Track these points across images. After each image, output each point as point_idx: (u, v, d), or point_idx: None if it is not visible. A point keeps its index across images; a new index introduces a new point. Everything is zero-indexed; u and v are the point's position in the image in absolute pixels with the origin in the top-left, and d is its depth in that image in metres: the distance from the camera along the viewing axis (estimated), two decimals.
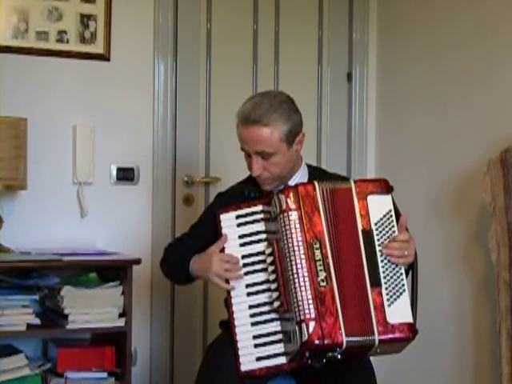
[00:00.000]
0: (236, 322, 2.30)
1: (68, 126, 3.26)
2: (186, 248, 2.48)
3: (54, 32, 3.23)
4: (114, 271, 2.96)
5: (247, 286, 2.32)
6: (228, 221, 2.36)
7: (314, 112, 3.74)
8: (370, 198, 2.29)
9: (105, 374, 2.93)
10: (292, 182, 2.44)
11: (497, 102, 3.07)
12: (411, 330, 2.21)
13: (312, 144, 3.69)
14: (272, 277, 2.28)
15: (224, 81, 3.57)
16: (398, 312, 2.21)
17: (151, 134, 3.41)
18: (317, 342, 2.13)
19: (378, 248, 2.25)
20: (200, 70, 3.54)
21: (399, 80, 3.67)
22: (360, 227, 2.26)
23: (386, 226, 2.28)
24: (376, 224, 2.27)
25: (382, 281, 2.23)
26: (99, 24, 3.29)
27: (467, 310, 3.19)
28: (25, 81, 3.19)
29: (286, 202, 2.25)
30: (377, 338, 2.18)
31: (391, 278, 2.24)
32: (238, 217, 2.36)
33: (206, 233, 2.44)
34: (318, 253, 2.22)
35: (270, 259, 2.29)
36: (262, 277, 2.32)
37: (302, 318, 2.15)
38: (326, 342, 2.14)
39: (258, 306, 2.30)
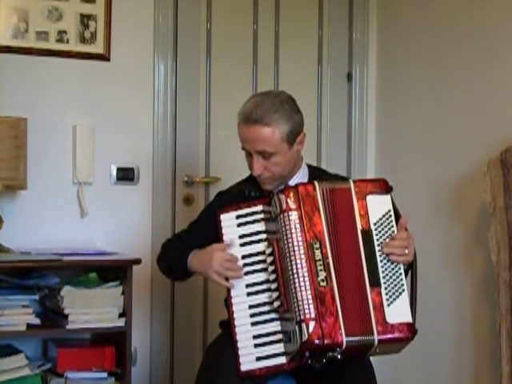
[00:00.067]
0: (236, 322, 2.30)
1: (68, 126, 3.26)
2: (185, 244, 2.47)
3: (54, 32, 3.23)
4: (114, 271, 2.96)
5: (247, 285, 2.32)
6: (228, 221, 2.36)
7: (314, 112, 3.74)
8: (369, 197, 2.29)
9: (105, 374, 2.93)
10: (292, 182, 2.44)
11: (497, 102, 3.07)
12: (410, 329, 2.21)
13: (312, 144, 3.69)
14: (272, 277, 2.28)
15: (224, 81, 3.57)
16: (398, 312, 2.21)
17: (151, 134, 3.41)
18: (317, 341, 2.13)
19: (377, 248, 2.25)
20: (200, 70, 3.54)
21: (399, 80, 3.67)
22: (359, 227, 2.26)
23: (385, 226, 2.28)
24: (375, 224, 2.27)
25: (382, 281, 2.23)
26: (99, 24, 3.29)
27: (467, 310, 3.19)
28: (25, 81, 3.19)
29: (287, 202, 2.25)
30: (376, 337, 2.18)
31: (390, 277, 2.24)
32: (238, 217, 2.36)
33: (205, 230, 2.45)
34: (318, 253, 2.22)
35: (270, 259, 2.29)
36: (262, 277, 2.32)
37: (302, 317, 2.15)
38: (325, 341, 2.14)
39: (258, 305, 2.30)
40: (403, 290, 2.24)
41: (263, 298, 2.30)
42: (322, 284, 2.19)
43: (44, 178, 3.19)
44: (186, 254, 2.42)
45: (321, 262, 2.21)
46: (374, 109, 3.82)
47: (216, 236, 2.37)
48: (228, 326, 2.35)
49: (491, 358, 3.02)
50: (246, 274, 2.32)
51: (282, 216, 2.25)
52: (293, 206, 2.25)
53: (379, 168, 3.79)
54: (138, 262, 2.91)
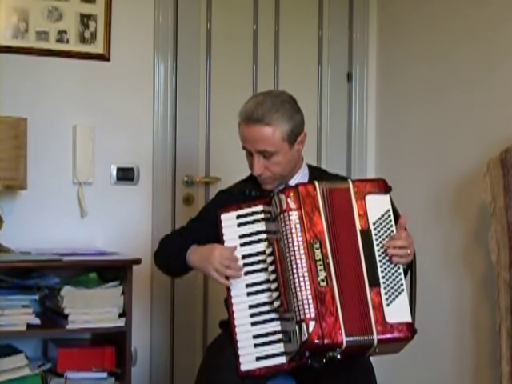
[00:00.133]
0: (236, 322, 2.30)
1: (68, 126, 3.26)
2: (184, 240, 2.47)
3: (54, 32, 3.23)
4: (114, 271, 2.96)
5: (247, 285, 2.32)
6: (228, 221, 2.36)
7: (314, 112, 3.74)
8: (368, 197, 2.29)
9: (105, 374, 2.93)
10: (293, 182, 2.44)
11: (497, 102, 3.07)
12: (410, 329, 2.21)
13: (312, 144, 3.69)
14: (272, 277, 2.28)
15: (224, 81, 3.57)
16: (397, 312, 2.21)
17: (151, 134, 3.41)
18: (317, 341, 2.14)
19: (376, 248, 2.26)
20: (200, 70, 3.54)
21: (399, 80, 3.67)
22: (358, 227, 2.27)
23: (385, 226, 2.28)
24: (374, 224, 2.28)
25: (381, 280, 2.23)
26: (99, 24, 3.29)
27: (467, 309, 3.19)
28: (25, 81, 3.19)
29: (287, 202, 2.25)
30: (376, 337, 2.18)
31: (390, 277, 2.24)
32: (238, 217, 2.36)
33: (205, 228, 2.45)
34: (318, 253, 2.22)
35: (270, 259, 2.29)
36: (262, 277, 2.32)
37: (302, 317, 2.15)
38: (325, 341, 2.14)
39: (258, 305, 2.30)
40: (402, 290, 2.24)
41: (263, 297, 2.30)
42: (322, 284, 2.19)
43: (44, 178, 3.19)
44: (185, 249, 2.41)
45: (321, 262, 2.21)
46: (374, 109, 3.82)
47: (215, 234, 2.36)
48: (228, 325, 2.35)
49: (491, 357, 3.02)
50: (246, 273, 2.32)
51: (282, 216, 2.25)
52: (293, 205, 2.25)
53: (379, 168, 3.79)
54: (138, 262, 2.91)
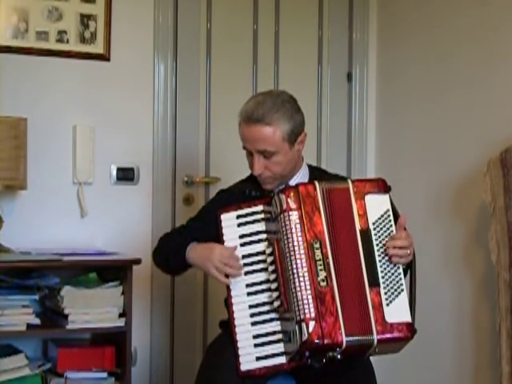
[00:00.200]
0: (236, 322, 2.30)
1: (68, 126, 3.26)
2: (183, 238, 2.46)
3: (54, 32, 3.23)
4: (114, 271, 2.96)
5: (247, 285, 2.32)
6: (228, 221, 2.36)
7: (314, 112, 3.74)
8: (367, 197, 2.29)
9: (105, 374, 2.93)
10: (293, 182, 2.44)
11: (497, 102, 3.07)
12: (410, 329, 2.21)
13: (312, 144, 3.69)
14: (272, 277, 2.28)
15: (224, 81, 3.57)
16: (397, 311, 2.21)
17: (151, 134, 3.41)
18: (317, 341, 2.14)
19: (376, 248, 2.26)
20: (200, 70, 3.54)
21: (399, 80, 3.67)
22: (358, 227, 2.27)
23: (384, 226, 2.28)
24: (374, 223, 2.28)
25: (381, 280, 2.23)
26: (99, 24, 3.29)
27: (467, 309, 3.19)
28: (25, 81, 3.19)
29: (287, 202, 2.25)
30: (375, 337, 2.18)
31: (389, 277, 2.24)
32: (238, 217, 2.36)
33: (204, 227, 2.44)
34: (318, 252, 2.22)
35: (270, 259, 2.29)
36: (262, 277, 2.32)
37: (302, 317, 2.15)
38: (325, 341, 2.14)
39: (258, 305, 2.30)
40: (402, 290, 2.24)
41: (263, 297, 2.30)
42: (322, 284, 2.19)
43: (44, 178, 3.19)
44: (185, 246, 2.41)
45: (321, 262, 2.21)
46: (374, 109, 3.82)
47: (215, 233, 2.37)
48: (228, 325, 2.35)
49: (491, 357, 3.02)
50: (246, 273, 2.32)
51: (282, 216, 2.25)
52: (293, 205, 2.25)
53: (379, 168, 3.79)
54: (138, 262, 2.91)
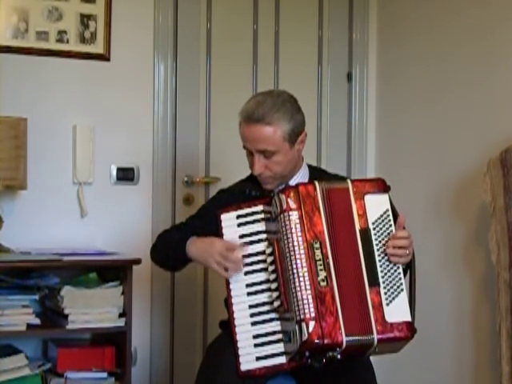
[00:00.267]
0: (236, 322, 2.30)
1: (68, 126, 3.26)
2: (183, 233, 2.45)
3: (54, 32, 3.23)
4: (114, 271, 2.96)
5: (247, 285, 2.32)
6: (228, 221, 2.36)
7: (314, 112, 3.74)
8: (367, 197, 2.29)
9: (105, 374, 2.93)
10: (293, 182, 2.44)
11: (497, 102, 3.07)
12: (410, 329, 2.21)
13: (312, 144, 3.69)
14: (272, 276, 2.28)
15: (224, 81, 3.57)
16: (397, 311, 2.21)
17: (151, 134, 3.41)
18: (317, 341, 2.13)
19: (375, 247, 2.26)
20: (200, 70, 3.54)
21: (399, 80, 3.67)
22: (358, 227, 2.27)
23: (384, 226, 2.28)
24: (373, 223, 2.28)
25: (380, 280, 2.23)
26: (99, 24, 3.29)
27: (467, 309, 3.19)
28: (25, 81, 3.19)
29: (287, 202, 2.25)
30: (375, 337, 2.18)
31: (389, 277, 2.24)
32: (238, 217, 2.36)
33: (204, 225, 2.44)
34: (318, 252, 2.22)
35: (270, 259, 2.29)
36: (262, 277, 2.31)
37: (302, 317, 2.15)
38: (325, 341, 2.14)
39: (258, 305, 2.30)
40: (402, 290, 2.24)
41: (263, 297, 2.30)
42: (322, 284, 2.19)
43: (44, 178, 3.19)
44: (185, 240, 2.40)
45: (321, 262, 2.21)
46: (374, 109, 3.82)
47: (214, 232, 2.36)
48: (228, 325, 2.35)
49: (491, 357, 3.02)
50: (246, 273, 2.32)
51: (282, 216, 2.25)
52: (293, 205, 2.25)
53: (379, 168, 3.79)
54: (137, 262, 2.91)
